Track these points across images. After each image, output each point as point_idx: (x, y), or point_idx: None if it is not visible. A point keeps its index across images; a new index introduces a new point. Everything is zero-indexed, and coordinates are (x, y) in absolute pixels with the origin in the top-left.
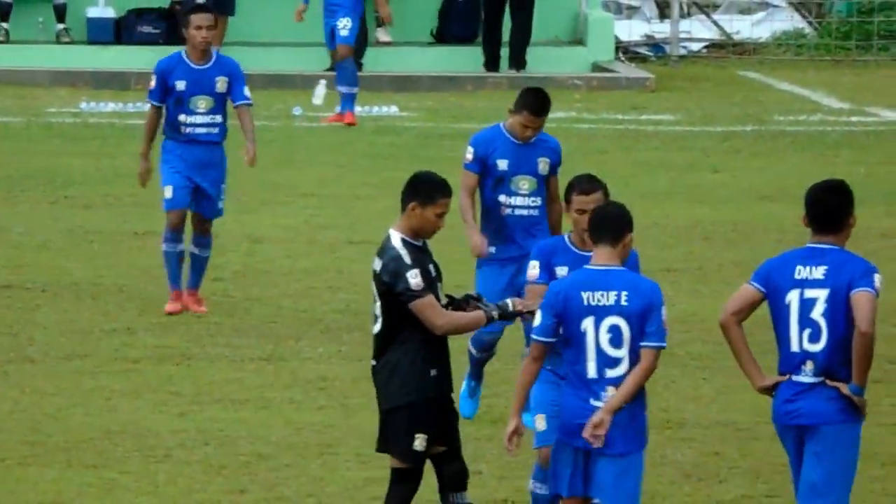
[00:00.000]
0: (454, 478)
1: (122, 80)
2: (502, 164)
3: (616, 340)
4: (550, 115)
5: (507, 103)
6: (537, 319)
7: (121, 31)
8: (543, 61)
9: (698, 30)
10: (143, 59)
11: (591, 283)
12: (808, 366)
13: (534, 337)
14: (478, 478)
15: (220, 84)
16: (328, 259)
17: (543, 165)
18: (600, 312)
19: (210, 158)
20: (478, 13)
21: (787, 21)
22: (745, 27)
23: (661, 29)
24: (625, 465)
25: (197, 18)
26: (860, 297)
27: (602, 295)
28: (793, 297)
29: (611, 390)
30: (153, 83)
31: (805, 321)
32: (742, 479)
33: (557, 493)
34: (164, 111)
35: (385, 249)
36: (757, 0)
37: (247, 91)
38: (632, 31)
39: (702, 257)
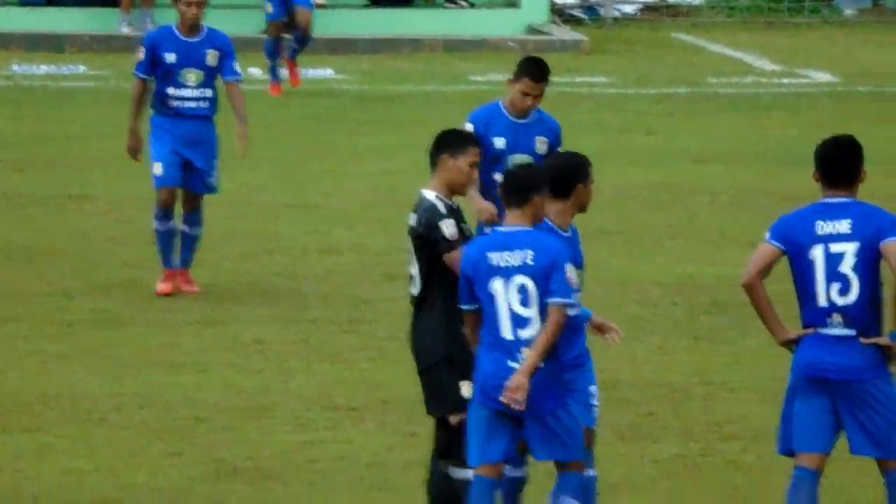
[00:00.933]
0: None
1: (55, 42)
2: (499, 143)
3: (525, 300)
4: (487, 77)
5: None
6: (460, 288)
7: None
8: (479, 23)
9: None
10: (76, 20)
11: (497, 245)
12: (837, 318)
13: (461, 306)
14: (414, 439)
15: (211, 57)
16: (265, 222)
17: (541, 145)
18: (508, 272)
19: (200, 133)
20: None
21: None
22: None
23: None
24: (556, 420)
25: None
26: (893, 247)
27: (509, 255)
28: (817, 253)
29: (525, 351)
30: (142, 55)
31: (833, 275)
32: (676, 439)
33: (476, 461)
34: (151, 84)
35: (420, 203)
36: None
37: (237, 66)
38: None
39: (636, 219)
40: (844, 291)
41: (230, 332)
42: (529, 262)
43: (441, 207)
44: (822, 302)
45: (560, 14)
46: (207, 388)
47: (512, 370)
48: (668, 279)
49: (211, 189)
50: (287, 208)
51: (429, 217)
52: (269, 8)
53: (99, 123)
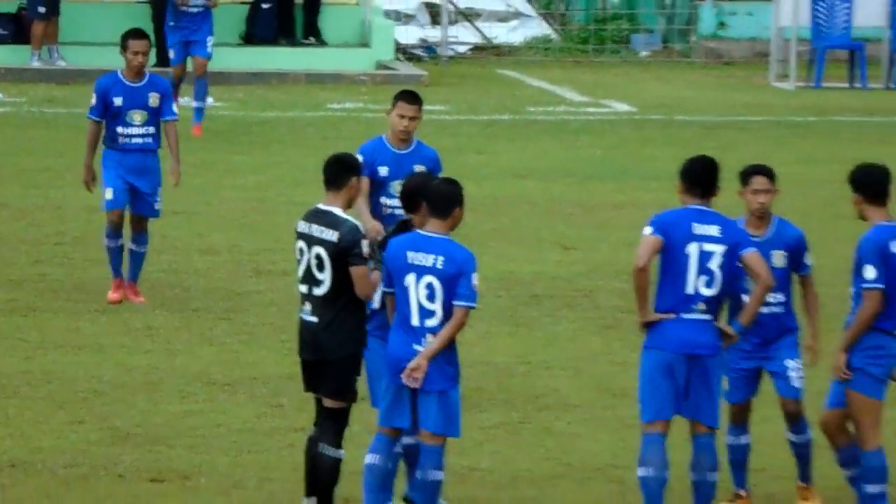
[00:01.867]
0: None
1: None
2: (383, 171)
3: (431, 296)
4: (343, 105)
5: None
6: (383, 273)
7: None
8: (336, 60)
9: (464, 35)
10: None
11: (415, 246)
12: (700, 305)
13: (383, 289)
14: (280, 410)
15: (153, 99)
16: (154, 226)
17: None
18: (420, 271)
19: (145, 164)
20: (276, 19)
21: (537, 28)
22: (502, 33)
23: (433, 34)
24: (444, 399)
25: (134, 44)
26: (753, 257)
27: (423, 257)
28: (692, 249)
29: (429, 337)
30: (94, 101)
31: (703, 269)
32: (500, 409)
33: (381, 422)
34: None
35: (339, 223)
36: (511, 10)
37: (175, 108)
38: (408, 35)
39: (467, 226)
40: (710, 284)
41: (123, 318)
42: (439, 266)
43: (361, 229)
44: (689, 290)
45: (404, 52)
46: (104, 366)
47: (416, 352)
48: (493, 275)
49: (154, 213)
50: (173, 215)
51: (353, 236)
52: (171, 54)
53: (12, 142)
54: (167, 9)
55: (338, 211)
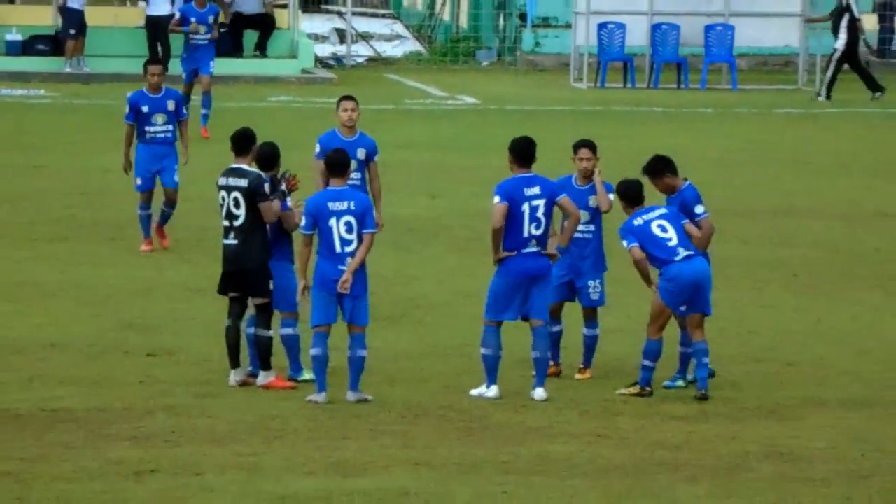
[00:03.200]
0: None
1: (25, 77)
2: None
3: (349, 230)
4: (279, 98)
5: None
6: (303, 221)
7: (25, 47)
8: (273, 68)
9: (362, 50)
10: (37, 63)
11: (332, 197)
12: (533, 243)
13: (301, 231)
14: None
15: (170, 105)
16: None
17: (361, 153)
18: (339, 214)
19: (167, 152)
20: (231, 39)
21: (412, 45)
22: (388, 49)
23: (341, 49)
24: (362, 300)
25: (152, 69)
26: (564, 200)
27: (340, 203)
28: (525, 207)
29: (349, 260)
30: (127, 110)
31: (532, 218)
32: (386, 308)
33: (317, 323)
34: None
35: (246, 172)
36: (394, 33)
37: (185, 110)
38: (324, 50)
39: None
40: (538, 227)
41: (128, 245)
42: (352, 207)
43: (262, 175)
44: (525, 234)
45: (321, 62)
46: (115, 276)
47: (341, 272)
48: (383, 216)
49: (174, 183)
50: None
51: (258, 181)
52: (183, 76)
53: (51, 123)
54: (183, 43)
55: (245, 166)
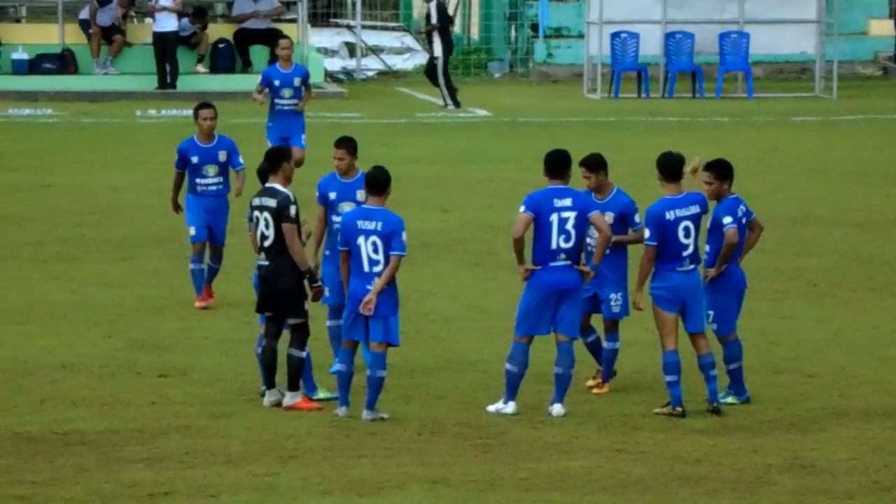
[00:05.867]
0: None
1: (31, 96)
2: (333, 195)
3: (375, 250)
4: None
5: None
6: (339, 237)
7: (31, 66)
8: None
9: (372, 64)
10: (42, 83)
11: (363, 216)
12: (562, 256)
13: (339, 248)
14: (248, 326)
15: (222, 156)
16: (158, 200)
17: (360, 195)
18: (367, 233)
19: (218, 206)
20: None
21: (423, 59)
22: (399, 62)
23: (351, 63)
24: (389, 321)
25: (203, 113)
26: (597, 216)
27: (368, 223)
28: (554, 218)
29: (376, 280)
30: (176, 158)
31: (562, 230)
32: (401, 323)
33: (345, 338)
34: (185, 175)
35: (276, 192)
36: (405, 46)
37: (240, 159)
38: (333, 64)
39: None
40: (567, 240)
41: (139, 264)
42: (379, 228)
43: (291, 197)
44: (553, 246)
45: (331, 76)
46: (125, 297)
47: (367, 291)
48: None
49: (222, 242)
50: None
51: (286, 202)
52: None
53: (59, 141)
54: (268, 110)
55: (278, 186)
